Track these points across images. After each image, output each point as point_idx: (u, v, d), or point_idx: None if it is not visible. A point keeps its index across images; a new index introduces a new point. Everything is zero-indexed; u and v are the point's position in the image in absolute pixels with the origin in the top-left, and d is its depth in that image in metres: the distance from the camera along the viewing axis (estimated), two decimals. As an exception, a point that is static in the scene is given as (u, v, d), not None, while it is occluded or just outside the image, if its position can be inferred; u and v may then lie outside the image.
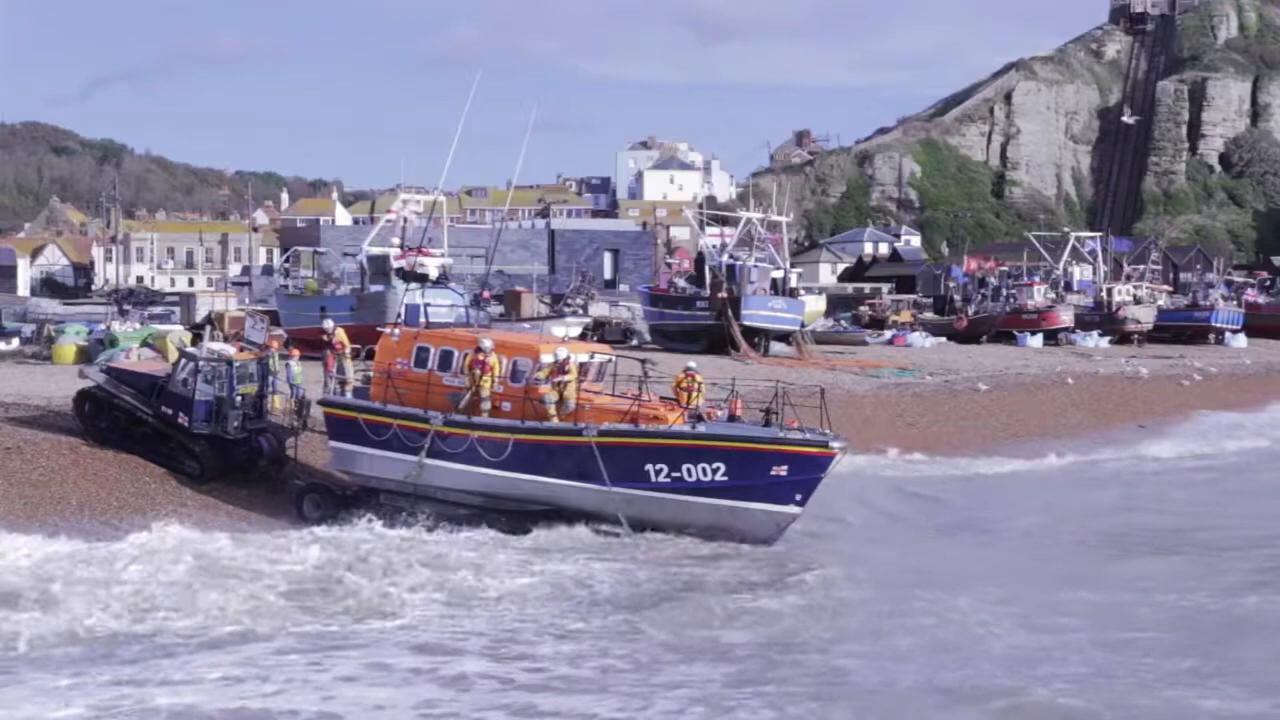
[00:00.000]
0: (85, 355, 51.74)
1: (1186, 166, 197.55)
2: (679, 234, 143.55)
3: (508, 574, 27.98)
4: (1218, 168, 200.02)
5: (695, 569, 29.08)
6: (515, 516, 31.42)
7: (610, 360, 34.06)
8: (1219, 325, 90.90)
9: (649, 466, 30.30)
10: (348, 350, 35.47)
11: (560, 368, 31.40)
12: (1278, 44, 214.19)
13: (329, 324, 37.25)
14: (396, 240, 58.41)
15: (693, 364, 33.22)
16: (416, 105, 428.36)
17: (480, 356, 31.77)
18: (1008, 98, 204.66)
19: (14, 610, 24.24)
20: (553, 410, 31.30)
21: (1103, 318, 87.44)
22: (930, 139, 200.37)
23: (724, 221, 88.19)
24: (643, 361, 33.50)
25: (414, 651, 22.86)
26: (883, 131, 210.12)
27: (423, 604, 25.77)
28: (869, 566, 29.69)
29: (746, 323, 64.63)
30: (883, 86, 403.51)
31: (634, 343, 65.81)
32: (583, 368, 32.34)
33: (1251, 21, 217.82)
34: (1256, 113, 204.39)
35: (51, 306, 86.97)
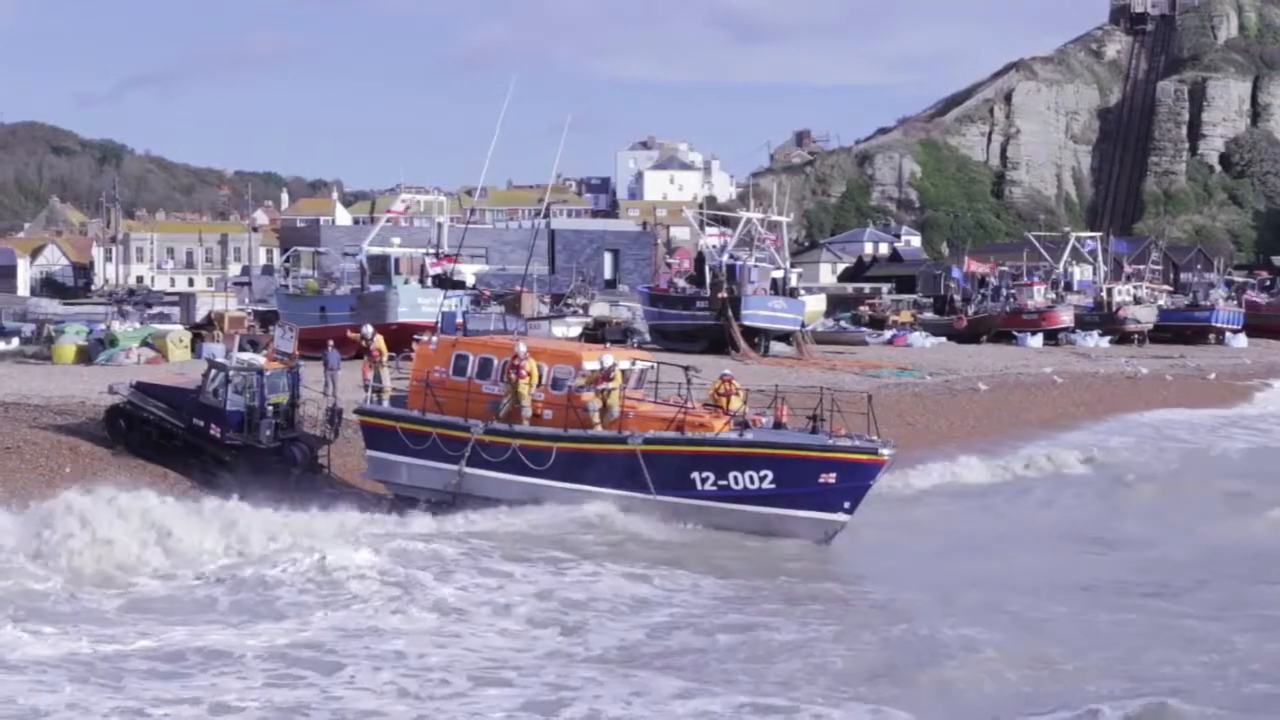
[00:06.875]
0: (85, 355, 51.79)
1: (1187, 166, 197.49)
2: (679, 234, 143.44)
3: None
4: (1218, 168, 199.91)
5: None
6: None
7: (651, 366, 33.65)
8: (1219, 325, 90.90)
9: (695, 474, 29.86)
10: (384, 357, 35.05)
11: (605, 375, 30.99)
12: (1278, 44, 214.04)
13: (368, 330, 36.53)
14: (398, 240, 58.41)
15: (727, 370, 32.82)
16: (416, 106, 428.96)
17: (516, 361, 31.29)
18: (1008, 98, 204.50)
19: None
20: (597, 418, 30.92)
21: (1103, 318, 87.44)
22: (930, 139, 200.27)
23: (724, 221, 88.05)
24: (686, 368, 32.92)
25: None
26: (883, 131, 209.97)
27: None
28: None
29: (746, 323, 64.59)
30: (883, 87, 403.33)
31: (634, 342, 65.79)
32: (624, 375, 31.96)
33: (1251, 21, 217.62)
34: (1257, 113, 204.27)
35: (51, 306, 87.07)
